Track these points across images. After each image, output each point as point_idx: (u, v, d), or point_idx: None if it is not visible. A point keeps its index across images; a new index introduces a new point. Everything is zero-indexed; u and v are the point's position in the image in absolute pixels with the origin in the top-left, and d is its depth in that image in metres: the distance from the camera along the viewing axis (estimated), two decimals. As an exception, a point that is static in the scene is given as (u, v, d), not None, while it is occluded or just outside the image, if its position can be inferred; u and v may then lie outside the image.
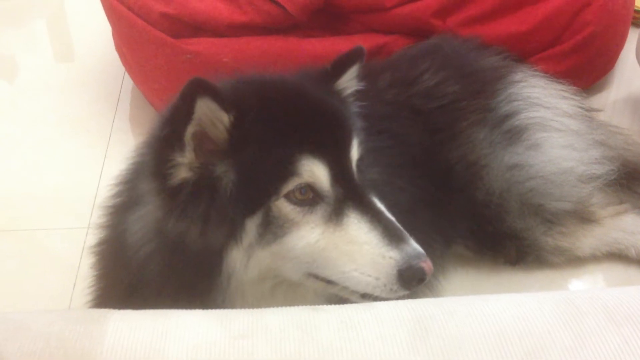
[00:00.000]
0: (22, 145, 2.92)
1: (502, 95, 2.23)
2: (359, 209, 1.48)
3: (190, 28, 2.67)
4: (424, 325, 1.34)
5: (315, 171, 1.45)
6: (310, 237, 1.47)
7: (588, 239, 2.23)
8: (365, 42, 2.64)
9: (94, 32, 3.42)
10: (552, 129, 2.20)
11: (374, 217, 1.48)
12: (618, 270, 2.28)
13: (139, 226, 1.55)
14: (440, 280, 2.12)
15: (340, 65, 1.67)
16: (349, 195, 1.49)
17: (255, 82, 1.62)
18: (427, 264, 1.44)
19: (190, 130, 1.41)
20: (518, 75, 2.31)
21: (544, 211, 2.16)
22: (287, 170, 1.44)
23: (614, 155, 2.32)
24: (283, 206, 1.46)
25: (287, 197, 1.45)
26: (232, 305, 1.55)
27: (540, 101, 2.25)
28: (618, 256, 2.29)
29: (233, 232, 1.46)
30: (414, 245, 1.46)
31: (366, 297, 1.50)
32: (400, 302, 1.45)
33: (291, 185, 1.45)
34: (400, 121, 2.12)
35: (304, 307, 1.41)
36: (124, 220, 1.61)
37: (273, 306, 1.47)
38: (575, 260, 2.27)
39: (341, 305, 1.41)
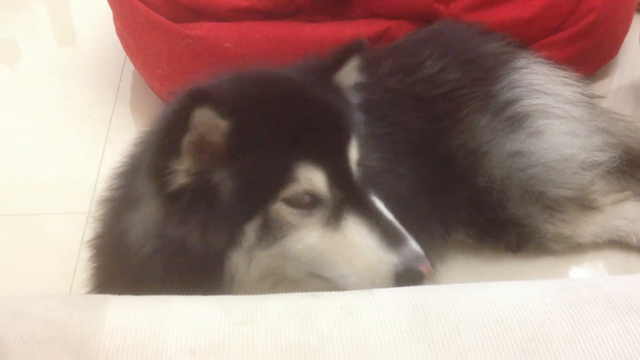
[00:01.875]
0: (22, 130, 2.91)
1: (504, 82, 2.22)
2: (357, 211, 1.48)
3: (191, 12, 2.66)
4: (423, 311, 1.34)
5: (312, 178, 1.45)
6: (309, 240, 1.48)
7: (589, 226, 2.23)
8: (367, 27, 2.63)
9: (96, 17, 3.40)
10: (554, 115, 2.19)
11: (373, 219, 1.47)
12: (619, 258, 2.27)
13: (140, 226, 1.55)
14: (439, 268, 2.11)
15: (339, 58, 1.65)
16: (347, 198, 1.48)
17: (255, 82, 1.59)
18: (425, 266, 1.44)
19: (187, 139, 1.42)
20: (520, 62, 2.29)
21: (545, 198, 2.15)
22: (285, 177, 1.44)
23: (616, 142, 2.31)
24: (281, 209, 1.46)
25: (286, 200, 1.45)
26: None
27: (542, 88, 2.23)
28: (619, 244, 2.28)
29: (233, 237, 1.47)
30: (413, 247, 1.46)
31: None
32: (400, 289, 1.44)
33: (290, 191, 1.45)
34: (402, 108, 2.11)
35: (304, 293, 1.40)
36: (124, 218, 1.60)
37: None
38: (576, 248, 2.27)
39: (341, 292, 1.41)
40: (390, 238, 1.45)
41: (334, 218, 1.47)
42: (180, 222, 1.48)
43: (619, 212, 2.24)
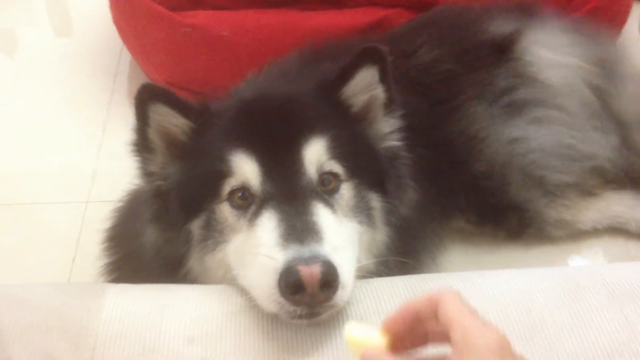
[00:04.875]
0: (21, 119, 2.89)
1: (501, 70, 2.20)
2: (277, 207, 1.35)
3: (188, 1, 2.65)
4: (422, 300, 1.34)
5: (244, 167, 1.40)
6: (237, 242, 1.41)
7: (590, 212, 2.22)
8: (365, 15, 2.62)
9: (92, 6, 3.37)
10: (553, 105, 2.18)
11: (289, 216, 1.32)
12: (618, 246, 2.27)
13: (147, 235, 1.59)
14: (442, 252, 2.10)
15: (344, 71, 1.55)
16: (277, 194, 1.37)
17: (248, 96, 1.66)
18: (306, 269, 1.20)
19: (151, 134, 1.48)
20: (522, 43, 2.25)
21: (546, 183, 2.14)
22: (224, 169, 1.42)
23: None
24: (224, 209, 1.42)
25: (229, 200, 1.42)
26: None
27: (541, 74, 2.21)
28: (619, 231, 2.28)
29: (186, 239, 1.47)
30: (309, 248, 1.25)
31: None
32: (398, 277, 1.45)
33: (227, 186, 1.42)
34: (401, 90, 2.10)
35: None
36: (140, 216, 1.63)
37: None
38: (576, 235, 2.26)
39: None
40: (293, 235, 1.28)
41: (256, 215, 1.37)
42: (151, 222, 1.55)
43: (618, 198, 2.24)
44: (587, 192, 2.19)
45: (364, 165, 1.53)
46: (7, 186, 2.57)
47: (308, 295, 1.20)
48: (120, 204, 1.90)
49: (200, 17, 2.59)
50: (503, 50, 2.23)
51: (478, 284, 1.40)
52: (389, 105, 1.61)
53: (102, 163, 2.63)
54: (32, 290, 1.36)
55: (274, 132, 1.45)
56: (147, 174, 1.55)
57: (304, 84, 1.70)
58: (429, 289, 1.37)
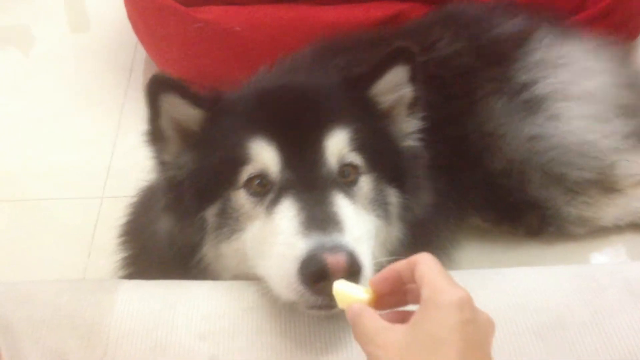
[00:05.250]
0: (36, 115, 2.89)
1: (519, 65, 2.16)
2: (297, 195, 1.32)
3: (201, -5, 2.64)
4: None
5: (263, 154, 1.38)
6: (254, 230, 1.38)
7: (611, 209, 2.18)
8: (379, 9, 2.59)
9: (108, 2, 3.37)
10: (573, 97, 2.14)
11: (309, 205, 1.30)
12: (640, 241, 2.23)
13: (161, 226, 1.57)
14: (457, 250, 2.08)
15: (375, 68, 1.54)
16: (296, 183, 1.35)
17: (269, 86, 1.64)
18: (332, 257, 1.17)
19: (164, 124, 1.48)
20: (538, 39, 2.23)
21: (566, 180, 2.11)
22: (240, 158, 1.40)
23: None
24: (241, 196, 1.40)
25: (246, 187, 1.39)
26: None
27: (558, 66, 2.17)
28: (640, 227, 2.24)
29: (200, 227, 1.44)
30: (333, 237, 1.22)
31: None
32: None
33: (244, 173, 1.39)
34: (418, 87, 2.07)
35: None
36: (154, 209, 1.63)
37: None
38: (597, 231, 2.22)
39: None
40: (313, 224, 1.25)
41: (274, 203, 1.35)
42: (169, 216, 1.53)
43: (640, 193, 2.20)
44: (608, 188, 2.15)
45: (384, 159, 1.51)
46: (21, 182, 2.57)
47: (330, 285, 1.16)
48: (134, 199, 1.89)
49: (213, 12, 2.58)
50: (521, 44, 2.20)
51: (495, 282, 1.38)
52: (414, 105, 1.60)
53: (117, 159, 2.63)
54: (43, 287, 1.36)
55: (294, 120, 1.42)
56: (160, 163, 1.54)
57: (320, 77, 1.68)
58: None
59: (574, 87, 2.15)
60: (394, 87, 1.56)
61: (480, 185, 2.10)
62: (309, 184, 1.35)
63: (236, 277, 1.45)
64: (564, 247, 2.21)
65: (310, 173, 1.37)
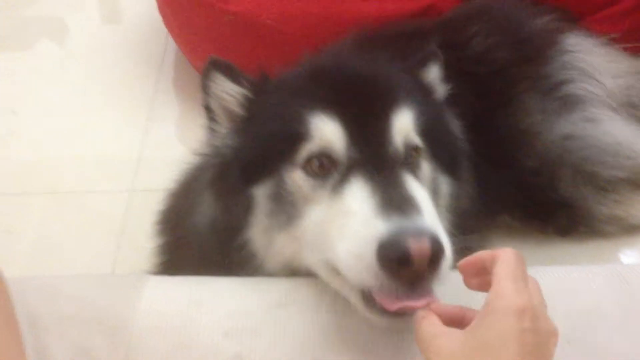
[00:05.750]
0: (66, 106, 2.92)
1: (556, 63, 2.14)
2: (367, 176, 1.23)
3: (232, -12, 2.63)
4: (466, 298, 1.30)
5: (326, 130, 1.29)
6: (316, 214, 1.28)
7: (643, 207, 2.16)
8: (411, 2, 2.55)
9: (141, -7, 3.42)
10: (609, 107, 2.12)
11: (382, 185, 1.21)
12: (674, 239, 2.19)
13: (203, 206, 1.53)
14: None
15: (423, 57, 1.61)
16: (364, 161, 1.26)
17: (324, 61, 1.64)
18: (416, 242, 1.08)
19: (213, 104, 1.50)
20: (572, 41, 2.21)
21: (597, 179, 2.08)
22: (298, 133, 1.31)
23: None
24: (297, 177, 1.31)
25: (304, 168, 1.31)
26: None
27: (595, 75, 2.16)
28: (674, 224, 2.20)
29: (247, 206, 1.37)
30: (414, 221, 1.14)
31: (365, 299, 1.20)
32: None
33: (304, 151, 1.31)
34: (451, 84, 2.05)
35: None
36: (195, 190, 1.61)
37: None
38: (628, 230, 2.18)
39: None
40: (391, 205, 1.16)
41: (341, 183, 1.26)
42: (211, 194, 1.50)
43: (673, 191, 2.16)
44: (639, 186, 2.12)
45: (442, 145, 1.47)
46: (50, 174, 2.59)
47: (413, 270, 1.09)
48: (173, 185, 1.83)
49: (244, 4, 2.56)
50: (556, 41, 2.17)
51: (524, 282, 1.36)
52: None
53: (147, 151, 2.64)
54: (69, 282, 1.37)
55: (358, 96, 1.34)
56: (211, 147, 1.53)
57: (374, 60, 1.67)
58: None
59: (606, 93, 2.15)
60: (434, 80, 1.61)
61: (512, 183, 2.07)
62: (377, 163, 1.26)
63: (285, 268, 1.39)
64: (595, 246, 2.18)
65: (379, 152, 1.29)
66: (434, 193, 1.42)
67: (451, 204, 1.51)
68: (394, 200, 1.17)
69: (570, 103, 2.09)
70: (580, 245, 2.18)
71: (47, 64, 3.20)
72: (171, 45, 3.11)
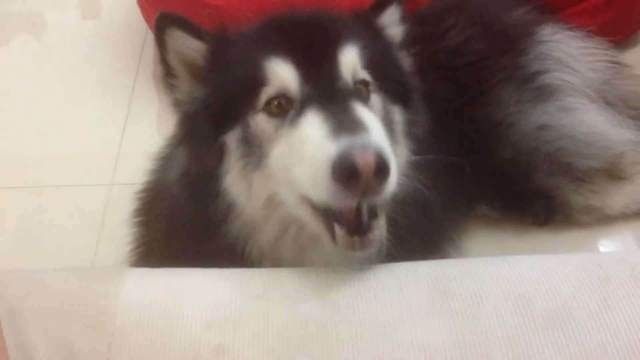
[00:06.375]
0: (45, 101, 2.91)
1: (531, 54, 2.16)
2: (321, 107, 1.34)
3: (212, -19, 2.62)
4: (442, 286, 1.32)
5: (281, 72, 1.39)
6: (279, 151, 1.39)
7: (618, 197, 2.18)
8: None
9: (120, -12, 3.40)
10: (584, 95, 2.14)
11: (333, 113, 1.32)
12: (649, 229, 2.22)
13: (175, 162, 1.61)
14: (465, 240, 2.08)
15: (378, 3, 1.65)
16: (317, 96, 1.37)
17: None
18: (362, 155, 1.19)
19: (171, 60, 1.51)
20: (548, 32, 2.23)
21: (573, 169, 2.11)
22: (257, 79, 1.41)
23: None
24: (261, 120, 1.41)
25: (265, 110, 1.41)
26: (249, 249, 1.53)
27: (571, 63, 2.18)
28: (649, 215, 2.23)
29: (220, 152, 1.46)
30: (361, 138, 1.24)
31: (330, 230, 1.34)
32: (419, 263, 1.43)
33: (264, 95, 1.41)
34: (426, 77, 2.07)
35: (321, 267, 1.39)
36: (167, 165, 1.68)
37: (285, 248, 1.51)
38: (604, 220, 2.22)
39: (359, 266, 1.39)
40: (341, 128, 1.27)
41: (298, 117, 1.37)
42: (181, 143, 1.57)
43: (648, 182, 2.19)
44: (615, 176, 2.15)
45: (390, 78, 1.55)
46: (30, 168, 2.59)
47: (362, 182, 1.20)
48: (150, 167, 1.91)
49: (224, -2, 2.57)
50: (531, 32, 2.19)
51: (500, 269, 1.38)
52: (404, 44, 1.69)
53: (126, 145, 2.64)
54: (50, 275, 1.37)
55: (308, 39, 1.44)
56: (175, 103, 1.56)
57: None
58: (451, 275, 1.35)
59: (583, 82, 2.17)
60: (390, 25, 1.65)
61: (490, 173, 2.10)
62: (329, 96, 1.37)
63: (264, 212, 1.47)
64: (572, 235, 2.21)
65: (329, 86, 1.39)
66: (387, 122, 1.52)
67: (406, 131, 1.60)
68: (343, 124, 1.28)
69: (545, 93, 2.11)
70: (557, 236, 2.21)
71: (27, 59, 3.18)
72: (150, 39, 3.10)
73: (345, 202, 1.25)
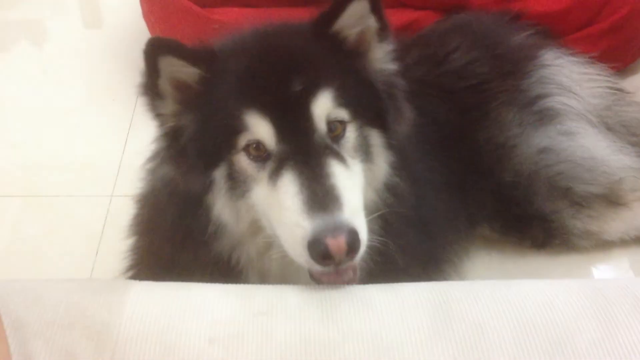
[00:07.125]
0: (47, 111, 2.92)
1: (534, 78, 2.19)
2: (296, 168, 1.42)
3: (218, -3, 2.65)
4: (446, 309, 1.32)
5: (259, 128, 1.45)
6: (260, 193, 1.49)
7: (616, 223, 2.19)
8: (395, 17, 2.59)
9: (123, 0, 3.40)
10: (586, 120, 2.17)
11: (310, 179, 1.40)
12: (646, 255, 2.23)
13: (163, 179, 1.64)
14: (465, 261, 2.09)
15: (336, 5, 1.56)
16: (293, 154, 1.44)
17: (251, 35, 1.65)
18: (334, 241, 1.32)
19: (162, 83, 1.52)
20: (550, 56, 2.26)
21: (572, 194, 2.12)
22: (238, 125, 1.46)
23: None
24: (242, 160, 1.49)
25: (245, 151, 1.48)
26: (237, 263, 1.64)
27: (573, 88, 2.21)
28: (646, 241, 2.24)
29: (205, 182, 1.54)
30: (334, 218, 1.34)
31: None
32: (423, 284, 1.43)
33: (243, 140, 1.47)
34: (429, 99, 2.08)
35: (325, 285, 1.40)
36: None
37: (271, 260, 1.57)
38: (602, 245, 2.23)
39: (363, 286, 1.40)
40: (315, 203, 1.37)
41: (276, 174, 1.44)
42: (165, 161, 1.61)
43: (646, 209, 2.21)
44: (613, 202, 2.16)
45: (366, 104, 1.57)
46: (31, 178, 2.59)
47: (336, 259, 1.33)
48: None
49: (230, 14, 2.58)
50: (534, 56, 2.21)
51: (503, 295, 1.38)
52: (382, 32, 1.62)
53: (128, 157, 2.65)
54: (54, 286, 1.37)
55: (282, 88, 1.46)
56: (157, 115, 1.58)
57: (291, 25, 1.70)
58: (455, 297, 1.36)
59: (584, 107, 2.19)
60: (358, 20, 1.58)
61: (491, 196, 2.11)
62: (304, 153, 1.44)
63: (252, 227, 1.57)
64: (570, 258, 2.22)
65: (304, 141, 1.45)
66: (364, 146, 1.57)
67: (386, 153, 1.63)
68: (317, 197, 1.37)
69: (547, 117, 2.13)
70: (555, 260, 2.22)
71: (29, 68, 3.19)
72: (154, 51, 3.10)
73: (320, 269, 1.39)
